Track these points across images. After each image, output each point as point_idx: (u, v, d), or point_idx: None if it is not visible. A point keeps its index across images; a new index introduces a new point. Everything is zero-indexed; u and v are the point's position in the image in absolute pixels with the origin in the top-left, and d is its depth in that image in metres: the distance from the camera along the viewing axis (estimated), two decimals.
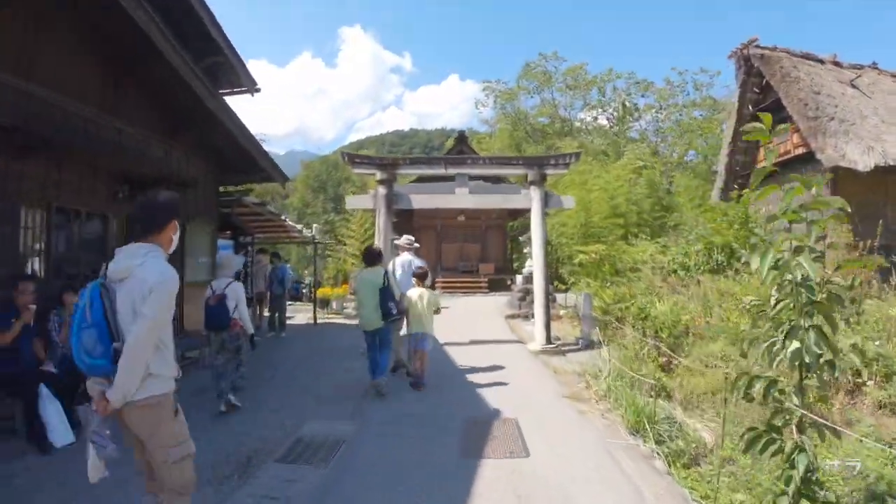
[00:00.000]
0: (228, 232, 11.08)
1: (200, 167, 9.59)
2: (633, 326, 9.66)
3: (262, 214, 11.48)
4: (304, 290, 21.82)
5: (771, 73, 15.13)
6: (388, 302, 6.29)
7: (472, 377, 7.69)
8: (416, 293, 6.86)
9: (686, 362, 6.65)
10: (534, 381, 7.51)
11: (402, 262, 8.10)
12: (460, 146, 25.55)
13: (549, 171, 9.91)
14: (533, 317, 14.79)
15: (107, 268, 2.44)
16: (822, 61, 15.90)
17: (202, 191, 9.65)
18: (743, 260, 11.53)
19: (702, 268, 11.34)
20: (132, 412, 2.35)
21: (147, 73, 7.67)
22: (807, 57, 15.65)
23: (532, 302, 15.45)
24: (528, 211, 26.37)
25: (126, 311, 2.34)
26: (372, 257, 6.68)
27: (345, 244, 34.05)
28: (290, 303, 13.84)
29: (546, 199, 9.86)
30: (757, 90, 18.44)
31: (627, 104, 33.54)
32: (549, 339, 9.85)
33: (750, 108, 18.78)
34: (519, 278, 16.19)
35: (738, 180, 20.25)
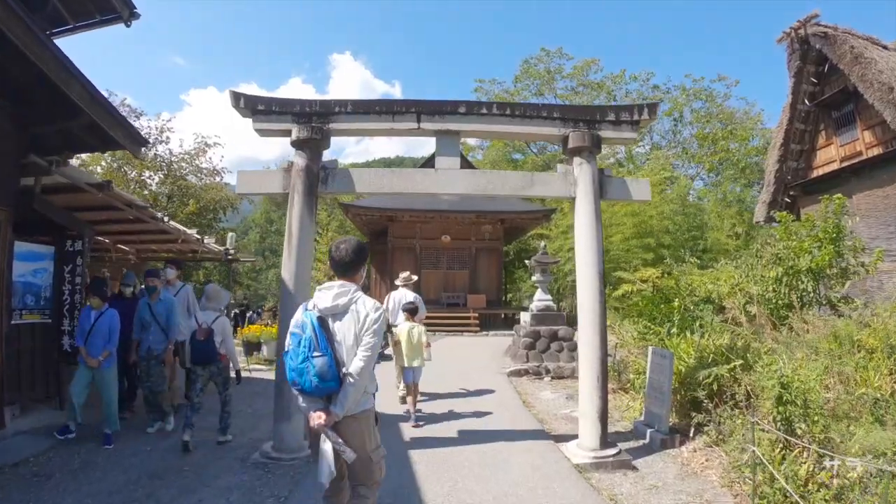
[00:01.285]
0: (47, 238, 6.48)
1: None
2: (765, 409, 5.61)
3: (115, 208, 6.93)
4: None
5: (839, 55, 12.31)
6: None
7: None
8: (405, 327, 6.76)
9: None
10: None
11: (396, 298, 7.96)
12: None
13: (608, 134, 5.61)
14: (548, 373, 10.38)
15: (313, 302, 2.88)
16: (885, 47, 12.63)
17: None
18: (845, 290, 8.34)
19: (783, 301, 8.01)
20: (351, 423, 2.78)
21: None
22: (870, 41, 12.44)
23: (546, 352, 11.17)
24: (527, 228, 22.10)
25: (348, 341, 2.77)
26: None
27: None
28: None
29: (602, 183, 5.50)
30: (814, 80, 15.20)
31: None
32: (605, 437, 5.36)
33: (806, 102, 15.50)
34: (525, 316, 11.73)
35: (790, 191, 16.79)
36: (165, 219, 7.49)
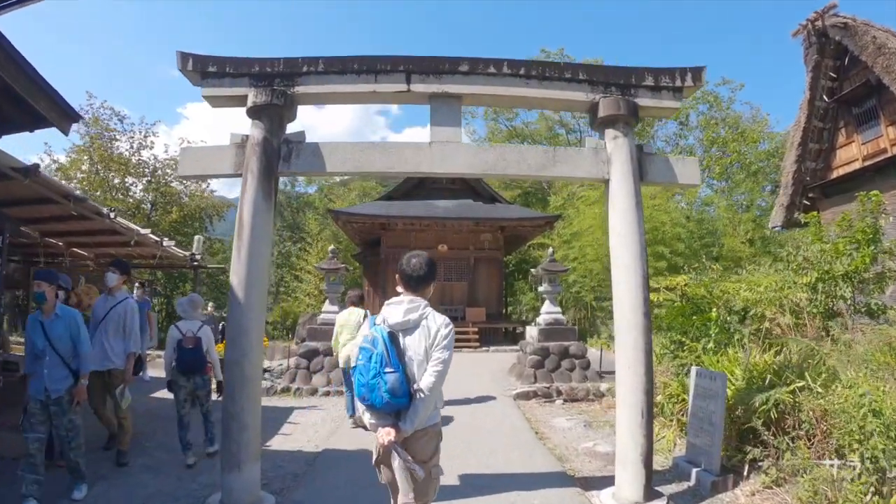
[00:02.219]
0: None
1: None
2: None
3: (53, 201, 5.75)
4: None
5: (861, 46, 11.67)
6: None
7: None
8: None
9: None
10: None
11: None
12: None
13: (646, 102, 4.54)
14: (560, 395, 9.17)
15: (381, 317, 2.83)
16: None
17: None
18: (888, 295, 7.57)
19: (819, 309, 7.15)
20: (420, 438, 2.73)
21: None
22: (890, 32, 11.78)
23: (556, 371, 9.89)
24: (528, 237, 20.94)
25: (419, 357, 2.71)
26: (358, 299, 7.39)
27: (300, 281, 28.20)
28: None
29: (641, 162, 4.38)
30: (833, 75, 14.41)
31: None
32: (649, 485, 4.17)
33: (825, 98, 14.69)
34: (531, 331, 10.55)
35: (809, 193, 15.93)
36: (112, 214, 6.32)
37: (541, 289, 10.59)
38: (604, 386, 9.30)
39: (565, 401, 8.84)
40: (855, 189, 13.82)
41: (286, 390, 9.56)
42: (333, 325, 10.27)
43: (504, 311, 20.72)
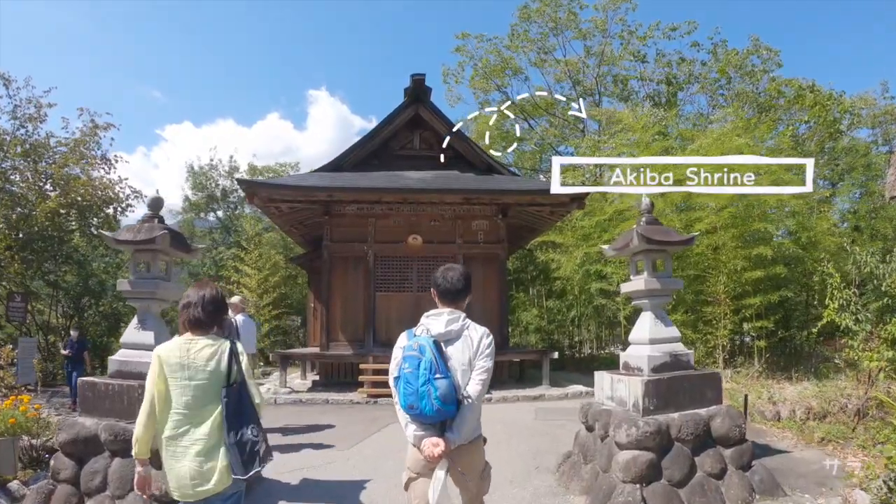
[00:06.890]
0: None
1: None
2: None
3: None
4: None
5: None
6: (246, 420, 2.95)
7: None
8: None
9: None
10: None
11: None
12: (415, 106, 14.05)
13: None
14: None
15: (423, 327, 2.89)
16: None
17: None
18: None
19: None
20: (472, 453, 2.84)
21: None
22: None
23: (688, 483, 3.98)
24: (539, 225, 10.44)
25: (463, 366, 2.79)
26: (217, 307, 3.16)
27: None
28: None
29: None
30: None
31: (673, 81, 23.75)
32: None
33: None
34: (620, 385, 4.84)
35: None
36: None
37: (628, 287, 4.93)
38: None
39: None
40: None
41: None
42: (143, 377, 4.57)
43: (508, 334, 14.98)
